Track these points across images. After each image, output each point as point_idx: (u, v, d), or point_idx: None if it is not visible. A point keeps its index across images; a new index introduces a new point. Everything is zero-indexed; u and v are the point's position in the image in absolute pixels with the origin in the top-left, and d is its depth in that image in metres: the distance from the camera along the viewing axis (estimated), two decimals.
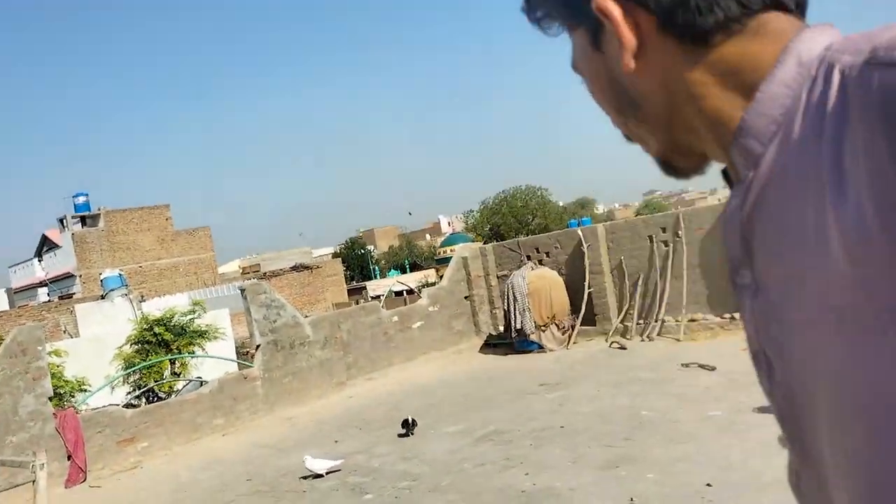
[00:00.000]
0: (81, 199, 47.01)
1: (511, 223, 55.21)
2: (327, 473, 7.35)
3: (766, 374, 0.65)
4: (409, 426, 8.39)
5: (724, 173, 0.70)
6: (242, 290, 11.62)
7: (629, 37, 0.64)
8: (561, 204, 67.53)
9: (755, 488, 5.14)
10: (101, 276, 27.79)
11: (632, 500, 5.37)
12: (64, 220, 46.88)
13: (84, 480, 9.28)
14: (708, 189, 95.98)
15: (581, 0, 0.66)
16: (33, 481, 7.16)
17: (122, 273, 27.92)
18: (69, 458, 9.32)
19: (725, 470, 5.59)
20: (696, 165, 0.71)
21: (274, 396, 11.34)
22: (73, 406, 10.04)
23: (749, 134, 0.61)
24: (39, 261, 53.35)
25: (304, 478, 7.40)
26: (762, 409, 6.74)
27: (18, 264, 57.19)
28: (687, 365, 9.24)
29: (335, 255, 63.42)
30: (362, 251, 69.62)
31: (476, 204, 74.11)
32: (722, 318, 11.14)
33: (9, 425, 9.14)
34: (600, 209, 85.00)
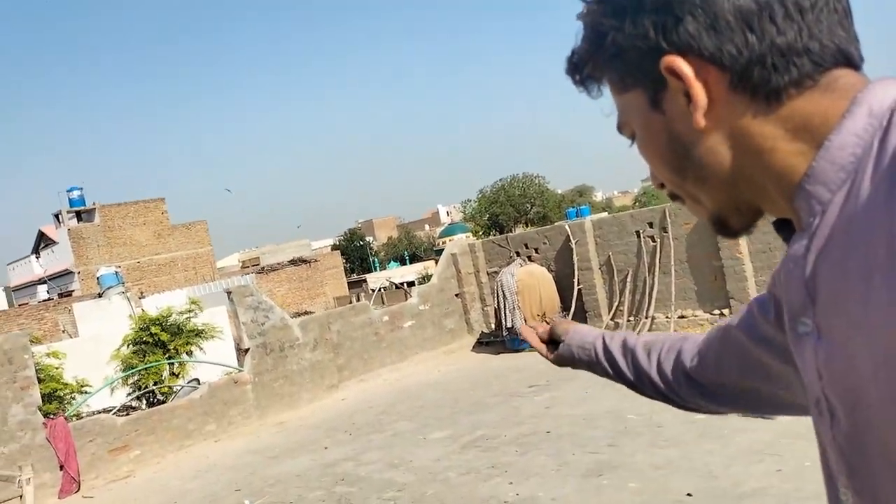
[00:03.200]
0: (76, 194, 46.87)
1: (510, 212, 55.21)
2: None
3: (827, 423, 0.63)
4: None
5: (776, 225, 0.72)
6: (229, 293, 11.63)
7: (702, 96, 0.64)
8: (559, 192, 67.49)
9: (734, 497, 5.15)
10: (98, 274, 27.80)
11: None
12: (59, 216, 46.77)
13: (77, 491, 9.29)
14: None
15: (642, 62, 0.67)
16: (20, 496, 7.17)
17: (118, 270, 27.91)
18: (61, 468, 9.33)
19: (706, 478, 5.60)
20: (748, 223, 0.72)
21: (265, 401, 11.37)
22: (63, 414, 10.04)
23: (818, 180, 0.61)
24: (37, 258, 53.27)
25: None
26: (746, 414, 6.74)
27: (17, 261, 57.09)
28: None
29: (334, 248, 63.41)
30: (361, 243, 69.59)
31: (474, 193, 74.04)
32: (711, 314, 11.15)
33: None
34: (598, 197, 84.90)
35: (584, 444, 7.02)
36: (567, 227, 12.96)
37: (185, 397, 11.23)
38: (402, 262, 57.65)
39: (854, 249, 0.57)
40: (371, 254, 69.33)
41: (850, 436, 0.60)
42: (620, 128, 0.75)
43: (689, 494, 5.38)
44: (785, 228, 0.71)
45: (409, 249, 67.14)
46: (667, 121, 0.68)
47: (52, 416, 9.95)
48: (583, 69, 0.74)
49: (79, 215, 46.40)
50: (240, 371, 11.66)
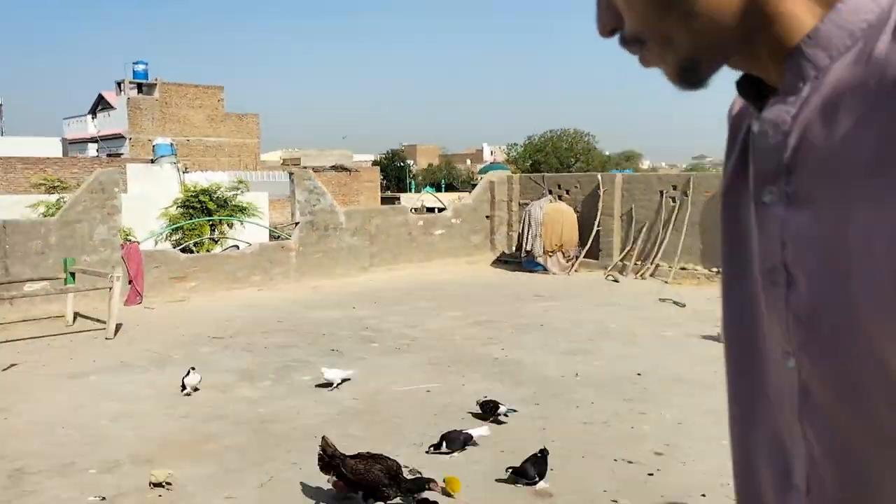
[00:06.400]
0: (141, 67, 48.60)
1: (553, 163, 55.82)
2: (340, 383, 6.58)
3: (782, 293, 0.59)
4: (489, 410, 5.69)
5: (739, 84, 0.65)
6: (291, 175, 13.15)
7: None
8: (606, 153, 67.67)
9: (672, 379, 6.63)
10: (154, 142, 29.55)
11: (577, 374, 6.89)
12: (122, 84, 48.49)
13: (140, 302, 11.05)
14: None
15: None
16: (110, 288, 8.85)
17: (173, 143, 29.66)
18: (130, 282, 11.06)
19: (656, 367, 7.07)
20: (713, 72, 0.62)
21: (305, 268, 12.98)
22: (137, 241, 11.74)
23: (819, 44, 0.56)
24: (93, 118, 55.22)
25: (319, 386, 6.70)
26: (707, 337, 8.18)
27: (73, 118, 59.23)
28: (663, 300, 10.66)
29: (375, 163, 64.73)
30: (402, 164, 70.73)
31: (521, 138, 74.44)
32: (710, 271, 12.46)
33: (84, 248, 10.87)
34: (645, 164, 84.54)
35: (567, 336, 8.52)
36: (599, 176, 14.21)
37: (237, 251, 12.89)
38: (438, 189, 58.87)
39: (859, 119, 0.52)
40: (409, 176, 70.38)
41: (813, 306, 0.56)
42: None
43: (638, 374, 6.86)
44: (748, 87, 0.64)
45: (447, 179, 68.27)
46: None
47: (129, 241, 11.65)
48: None
49: (140, 87, 48.12)
50: (287, 238, 13.26)
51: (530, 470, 4.41)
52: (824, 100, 0.56)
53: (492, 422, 5.54)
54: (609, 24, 0.63)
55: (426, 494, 4.07)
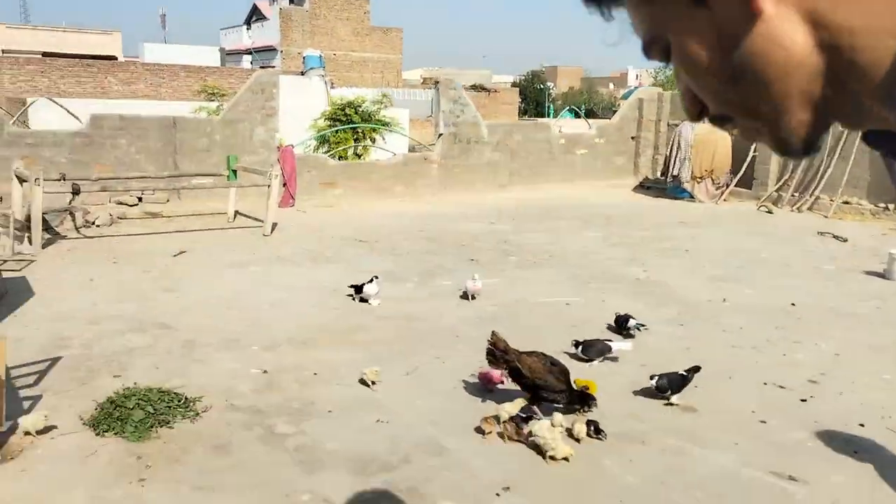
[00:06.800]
0: None
1: None
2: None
3: None
4: (622, 324, 5.67)
5: (868, 137, 0.60)
6: (437, 83, 13.14)
7: None
8: None
9: (830, 311, 6.26)
10: (304, 55, 30.44)
11: (724, 300, 6.64)
12: None
13: (293, 205, 11.65)
14: None
15: None
16: (269, 185, 9.37)
17: (322, 55, 30.43)
18: (284, 185, 11.65)
19: (812, 299, 6.69)
20: (819, 132, 0.56)
21: (447, 181, 13.14)
22: (293, 145, 12.28)
23: None
24: (248, 29, 57.44)
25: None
26: (871, 273, 7.62)
27: (229, 28, 61.84)
28: (822, 234, 9.96)
29: (514, 85, 63.70)
30: (542, 86, 69.20)
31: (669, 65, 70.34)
32: (876, 206, 11.47)
33: (245, 147, 11.52)
34: None
35: (715, 263, 8.19)
36: None
37: (383, 160, 13.22)
38: (577, 115, 57.35)
39: None
40: (549, 99, 68.84)
41: None
42: (649, 47, 0.59)
43: (792, 304, 6.51)
44: (882, 138, 0.58)
45: (587, 104, 66.23)
46: (713, 15, 0.53)
47: (284, 145, 12.22)
48: None
49: None
50: (431, 150, 13.43)
51: (664, 382, 4.34)
52: None
53: (624, 336, 5.49)
54: (694, 110, 0.60)
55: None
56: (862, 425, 4.14)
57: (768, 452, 3.85)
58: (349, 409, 4.24)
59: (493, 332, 4.37)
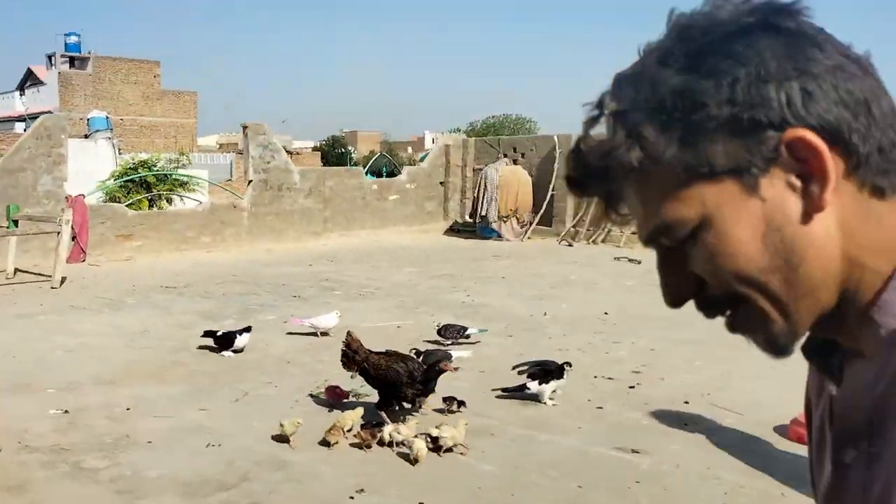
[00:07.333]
0: (73, 39, 46.64)
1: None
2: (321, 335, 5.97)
3: None
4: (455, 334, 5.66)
5: (805, 350, 0.64)
6: (245, 127, 12.74)
7: (833, 173, 0.54)
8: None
9: (639, 316, 6.70)
10: (88, 116, 28.31)
11: (545, 313, 6.89)
12: (52, 58, 46.43)
13: (83, 260, 10.56)
14: None
15: (751, 136, 0.55)
16: (58, 233, 8.43)
17: (108, 116, 28.57)
18: (73, 238, 10.56)
19: (621, 308, 7.14)
20: (800, 337, 0.60)
21: (257, 230, 12.64)
22: (84, 195, 11.20)
23: (889, 312, 0.55)
24: (21, 94, 52.81)
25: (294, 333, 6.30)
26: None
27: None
28: (618, 258, 10.78)
29: (315, 150, 63.90)
30: (342, 151, 70.06)
31: (463, 125, 74.70)
32: None
33: (28, 199, 10.34)
34: None
35: (531, 286, 8.53)
36: (556, 138, 14.26)
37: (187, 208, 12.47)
38: (378, 176, 58.68)
39: None
40: (350, 163, 69.63)
41: None
42: (666, 231, 0.58)
43: (606, 312, 6.90)
44: (819, 351, 0.63)
45: (388, 167, 68.08)
46: (767, 208, 0.55)
47: (73, 196, 11.12)
48: (646, 148, 0.56)
49: (72, 61, 46.17)
50: (240, 198, 12.90)
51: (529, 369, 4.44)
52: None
53: (453, 344, 5.49)
54: (687, 291, 0.61)
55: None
56: (687, 402, 4.40)
57: (609, 432, 3.95)
58: (173, 438, 3.78)
59: (348, 332, 4.28)
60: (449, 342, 5.24)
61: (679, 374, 5.00)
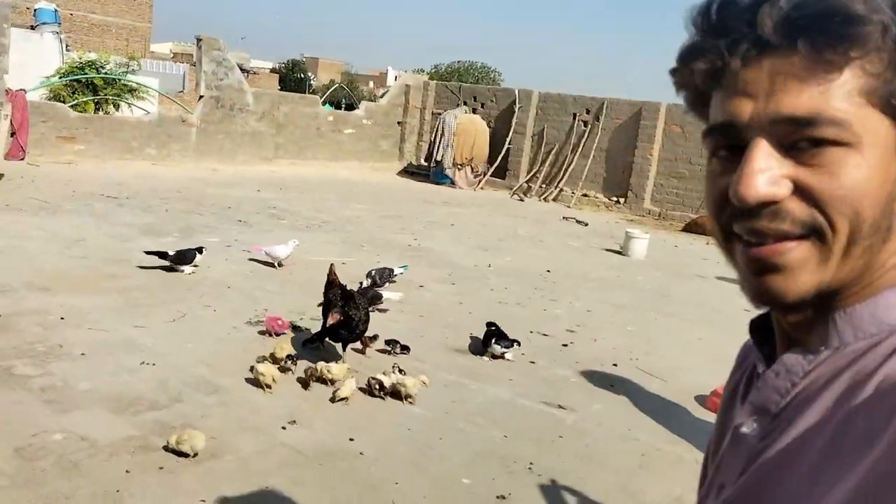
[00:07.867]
0: None
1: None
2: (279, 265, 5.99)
3: (713, 498, 0.63)
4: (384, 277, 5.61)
5: (753, 323, 0.66)
6: (199, 40, 12.25)
7: None
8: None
9: (580, 277, 6.85)
10: (36, 6, 26.83)
11: (489, 265, 6.98)
12: None
13: (23, 158, 10.15)
14: None
15: None
16: None
17: (58, 9, 27.05)
18: (12, 134, 10.12)
19: (563, 266, 7.28)
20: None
21: (205, 148, 12.31)
22: (25, 90, 10.66)
23: (850, 322, 0.56)
24: None
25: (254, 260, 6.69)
26: (609, 250, 8.48)
27: None
28: (567, 218, 10.93)
29: (273, 71, 62.04)
30: (302, 76, 68.23)
31: (427, 66, 73.46)
32: (609, 199, 12.87)
33: None
34: None
35: (478, 236, 8.59)
36: (517, 91, 14.19)
37: (134, 117, 12.03)
38: (337, 108, 57.43)
39: (847, 415, 0.52)
40: (309, 90, 68.04)
41: None
42: (819, 125, 0.53)
43: (548, 270, 7.03)
44: (761, 328, 0.65)
45: (347, 99, 66.69)
46: None
47: (14, 90, 10.59)
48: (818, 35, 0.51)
49: None
50: (189, 113, 12.50)
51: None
52: (832, 371, 0.56)
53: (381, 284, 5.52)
54: (776, 191, 0.54)
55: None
56: (615, 365, 4.56)
57: (539, 387, 4.08)
58: (106, 352, 3.74)
59: (331, 264, 4.46)
60: (383, 284, 5.28)
61: (611, 336, 5.16)
